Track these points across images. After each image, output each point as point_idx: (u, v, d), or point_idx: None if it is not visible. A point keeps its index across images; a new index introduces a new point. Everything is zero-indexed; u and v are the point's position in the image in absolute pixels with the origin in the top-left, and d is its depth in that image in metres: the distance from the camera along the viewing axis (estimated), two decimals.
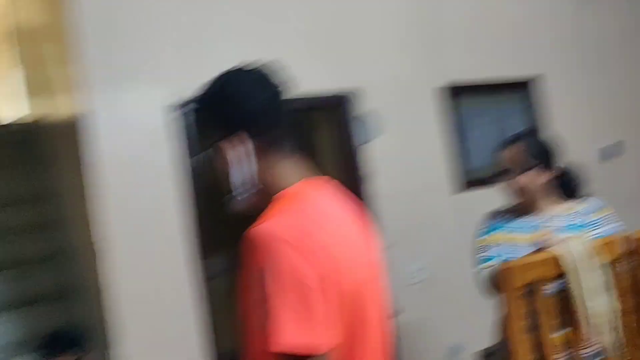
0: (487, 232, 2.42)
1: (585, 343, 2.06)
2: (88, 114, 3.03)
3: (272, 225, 1.17)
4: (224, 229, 5.99)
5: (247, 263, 1.17)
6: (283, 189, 1.28)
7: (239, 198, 1.34)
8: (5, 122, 5.40)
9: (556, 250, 2.03)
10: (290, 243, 1.13)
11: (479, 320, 3.98)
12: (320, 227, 1.22)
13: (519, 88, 4.49)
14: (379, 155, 3.78)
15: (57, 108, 3.80)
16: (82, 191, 3.28)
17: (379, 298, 1.33)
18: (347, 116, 3.68)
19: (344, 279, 1.19)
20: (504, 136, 4.26)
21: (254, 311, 1.17)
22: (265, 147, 1.30)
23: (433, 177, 4.01)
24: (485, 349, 3.83)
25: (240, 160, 1.31)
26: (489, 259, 2.33)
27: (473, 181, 4.16)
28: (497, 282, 2.05)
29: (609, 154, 4.71)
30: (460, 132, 4.18)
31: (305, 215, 1.23)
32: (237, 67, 1.38)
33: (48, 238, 4.33)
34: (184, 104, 1.34)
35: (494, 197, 3.97)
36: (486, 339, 3.84)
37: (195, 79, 3.21)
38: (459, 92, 4.17)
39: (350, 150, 3.67)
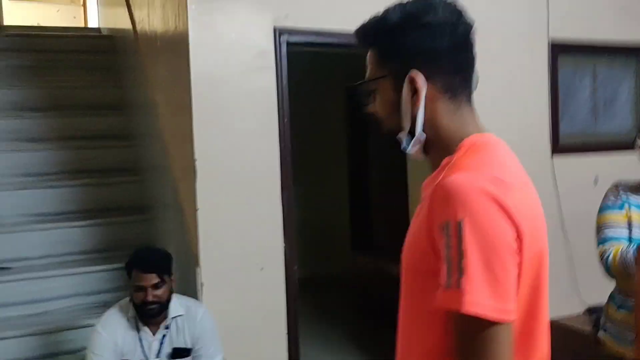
0: (615, 208, 2.26)
1: None
2: (188, 28, 2.93)
3: (471, 176, 1.04)
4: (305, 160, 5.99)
5: (432, 215, 1.06)
6: (460, 139, 1.15)
7: (404, 146, 1.20)
8: (93, 28, 5.36)
9: None
10: (492, 196, 1.02)
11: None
12: (518, 182, 1.12)
13: (628, 54, 4.23)
14: None
15: (154, 19, 3.73)
16: (176, 106, 3.25)
17: (547, 269, 1.20)
18: None
19: (535, 242, 1.09)
20: (607, 103, 4.14)
21: (425, 267, 1.08)
22: (442, 92, 1.16)
23: (529, 136, 3.84)
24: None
25: (409, 104, 1.16)
26: (616, 239, 2.18)
27: (568, 146, 3.99)
28: (635, 263, 1.92)
29: None
30: (561, 94, 3.98)
31: (501, 167, 1.10)
32: None
33: (131, 148, 4.37)
34: (360, 29, 1.19)
35: (591, 164, 3.86)
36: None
37: (308, 6, 3.14)
38: (564, 50, 3.95)
39: None
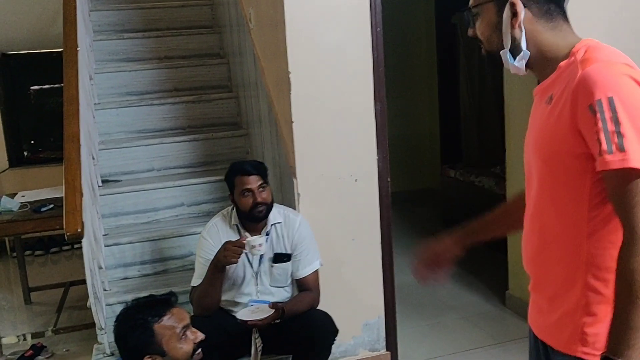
0: None
1: None
2: None
3: (609, 63, 1.24)
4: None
5: (576, 102, 1.24)
6: (568, 47, 1.34)
7: (509, 61, 1.39)
8: None
9: None
10: (632, 77, 1.22)
11: None
12: None
13: None
14: None
15: None
16: (268, 20, 3.28)
17: None
18: None
19: None
20: None
21: (571, 151, 1.26)
22: (538, 15, 1.36)
23: None
24: None
25: (509, 26, 1.37)
26: None
27: None
28: None
29: None
30: None
31: (625, 58, 1.29)
32: None
33: (225, 66, 4.48)
34: None
35: None
36: None
37: None
38: None
39: None
